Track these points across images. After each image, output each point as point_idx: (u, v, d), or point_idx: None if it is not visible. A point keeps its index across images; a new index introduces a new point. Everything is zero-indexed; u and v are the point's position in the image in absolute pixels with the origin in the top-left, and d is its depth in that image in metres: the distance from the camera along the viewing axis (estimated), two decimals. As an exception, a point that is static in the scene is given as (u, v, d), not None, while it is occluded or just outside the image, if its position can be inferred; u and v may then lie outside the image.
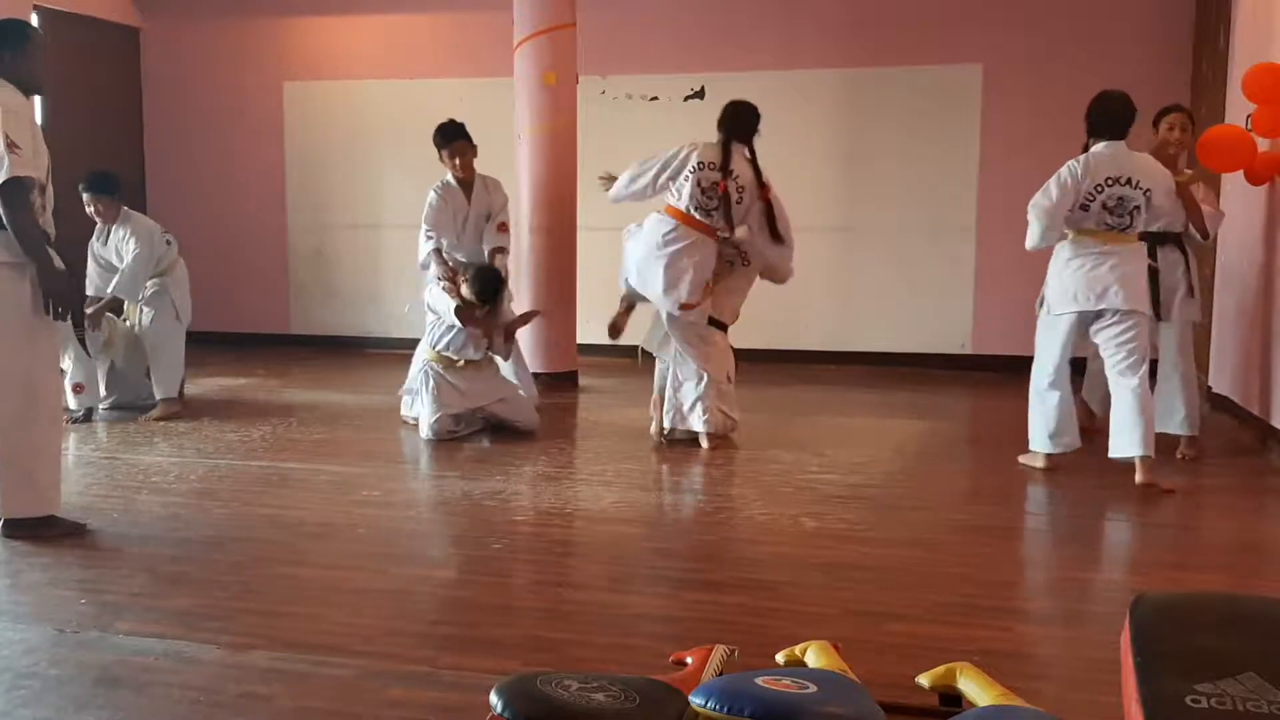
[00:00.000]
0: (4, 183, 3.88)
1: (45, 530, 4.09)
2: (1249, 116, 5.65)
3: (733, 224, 5.60)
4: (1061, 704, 2.52)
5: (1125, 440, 4.93)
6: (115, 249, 6.40)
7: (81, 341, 5.53)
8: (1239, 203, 6.36)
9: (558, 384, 7.41)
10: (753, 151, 5.64)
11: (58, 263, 4.07)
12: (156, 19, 9.60)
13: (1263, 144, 5.67)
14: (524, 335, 7.51)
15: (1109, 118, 5.05)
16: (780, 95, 8.44)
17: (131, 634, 3.17)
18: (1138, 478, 4.88)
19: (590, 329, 7.91)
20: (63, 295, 4.01)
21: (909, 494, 4.88)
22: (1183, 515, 4.80)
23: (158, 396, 6.54)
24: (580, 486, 4.92)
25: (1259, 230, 6.01)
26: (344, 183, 9.39)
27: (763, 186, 5.60)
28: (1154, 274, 5.43)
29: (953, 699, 2.42)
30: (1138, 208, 4.99)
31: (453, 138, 6.39)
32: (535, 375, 7.45)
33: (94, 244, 6.50)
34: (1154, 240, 5.37)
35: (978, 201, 8.20)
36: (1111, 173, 4.96)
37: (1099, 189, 4.96)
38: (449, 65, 9.00)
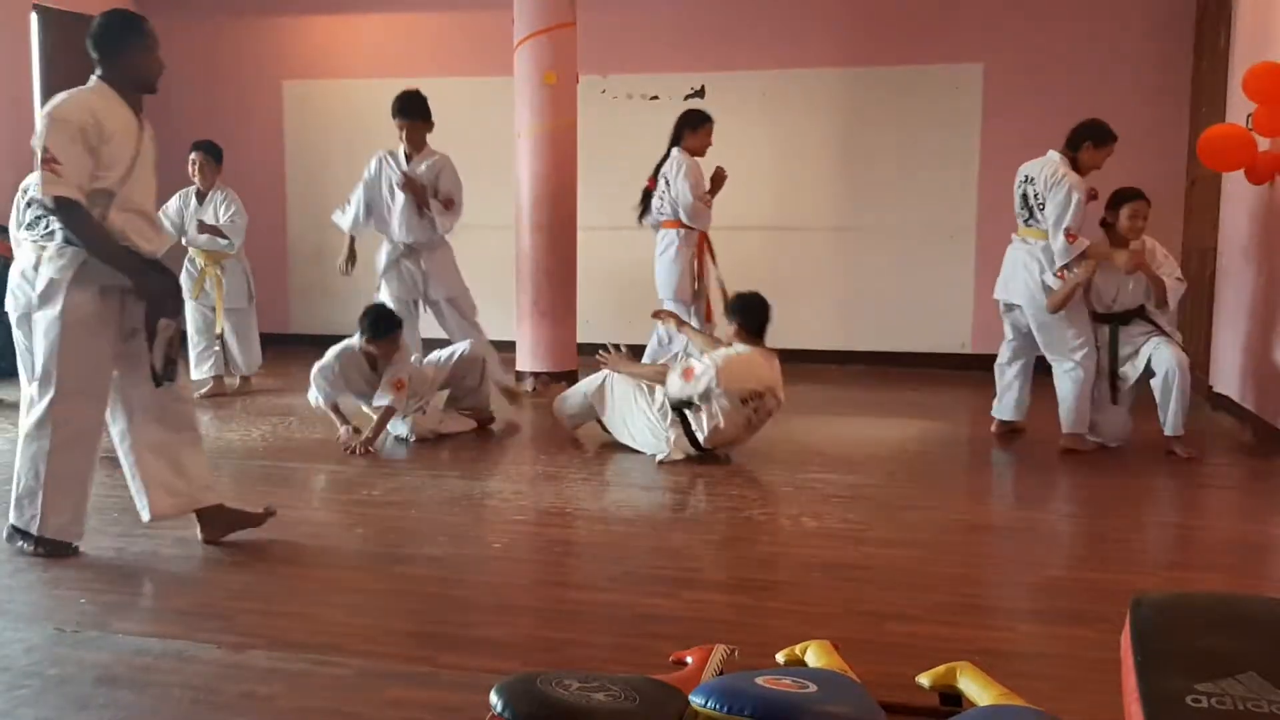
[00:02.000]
0: (53, 202, 3.68)
1: (29, 545, 3.89)
2: (1250, 116, 5.65)
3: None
4: (1061, 704, 2.51)
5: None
6: (213, 211, 6.98)
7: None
8: (1239, 202, 6.36)
9: (558, 384, 7.40)
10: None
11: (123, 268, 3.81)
12: (156, 18, 9.53)
13: (1263, 143, 5.67)
14: (525, 335, 7.52)
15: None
16: (780, 95, 8.47)
17: (131, 633, 3.17)
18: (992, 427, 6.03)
19: (590, 329, 7.91)
20: (159, 300, 3.72)
21: (909, 494, 4.88)
22: (1183, 515, 4.81)
23: (244, 371, 7.21)
24: (580, 486, 4.92)
25: (1259, 230, 6.01)
26: (344, 183, 9.34)
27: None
28: (1114, 337, 5.55)
29: (953, 698, 2.42)
30: (1031, 206, 5.66)
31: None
32: (535, 375, 7.46)
33: (190, 203, 7.03)
34: (1118, 320, 5.55)
35: (978, 201, 8.20)
36: (1027, 171, 5.73)
37: (1019, 185, 5.76)
38: (449, 65, 8.99)
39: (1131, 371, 5.54)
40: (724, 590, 3.62)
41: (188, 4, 9.53)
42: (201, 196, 7.05)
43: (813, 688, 2.10)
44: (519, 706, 2.00)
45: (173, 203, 7.06)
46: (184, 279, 7.14)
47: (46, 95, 8.73)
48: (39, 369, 3.80)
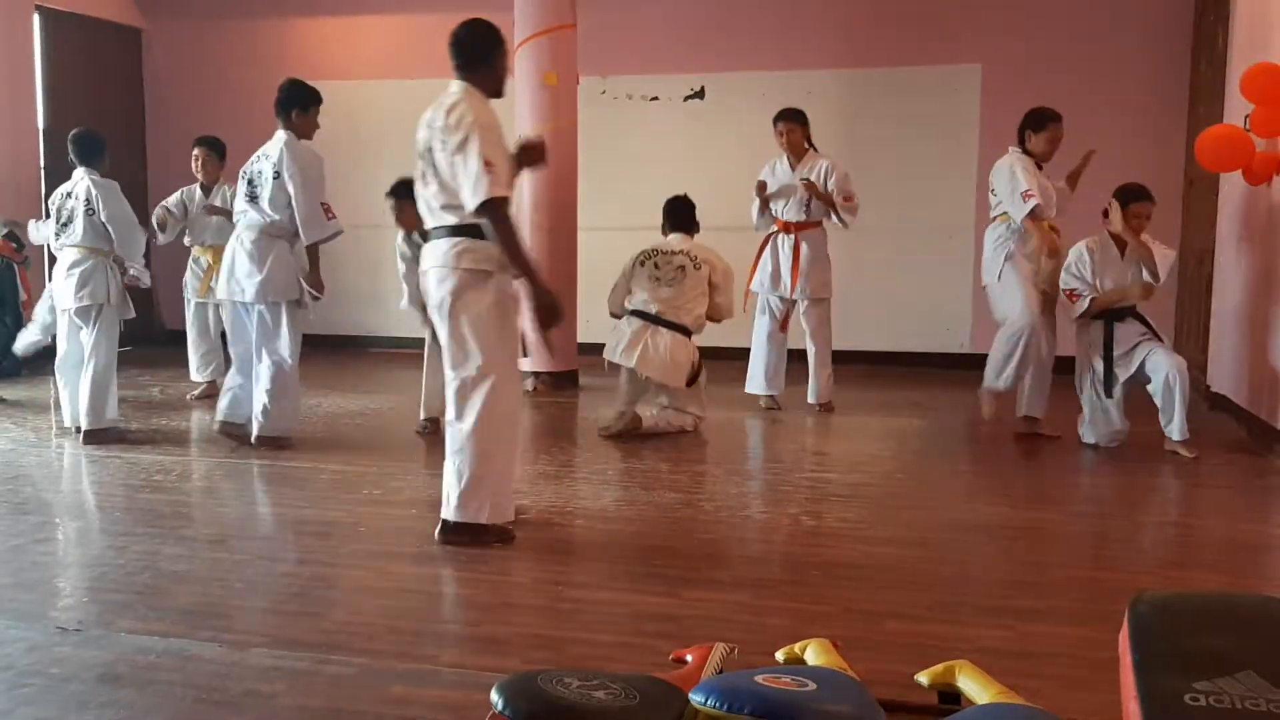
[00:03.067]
0: (484, 202, 3.79)
1: (480, 538, 4.01)
2: (1247, 116, 5.65)
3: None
4: (1061, 703, 2.52)
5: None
6: (220, 204, 6.92)
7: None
8: (1237, 202, 6.37)
9: (558, 384, 7.42)
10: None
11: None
12: (159, 19, 9.61)
13: (1260, 144, 5.67)
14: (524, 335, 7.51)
15: None
16: (780, 95, 8.45)
17: (134, 632, 3.18)
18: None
19: (590, 329, 7.91)
20: (552, 310, 3.90)
21: (909, 493, 4.89)
22: (1183, 515, 4.82)
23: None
24: (580, 485, 4.93)
25: (1257, 230, 6.02)
26: (344, 183, 9.35)
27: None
28: (1109, 331, 5.57)
29: (952, 697, 2.43)
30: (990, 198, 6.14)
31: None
32: (535, 374, 7.47)
33: (195, 196, 7.04)
34: (1112, 316, 5.57)
35: (976, 201, 8.20)
36: None
37: None
38: (449, 65, 8.98)
39: (1122, 371, 5.56)
40: (724, 589, 3.63)
41: (191, 6, 9.54)
42: (207, 191, 7.01)
43: (812, 686, 2.10)
44: (520, 704, 2.00)
45: (173, 198, 7.04)
46: (189, 278, 7.12)
47: (48, 95, 8.78)
48: (478, 357, 3.92)
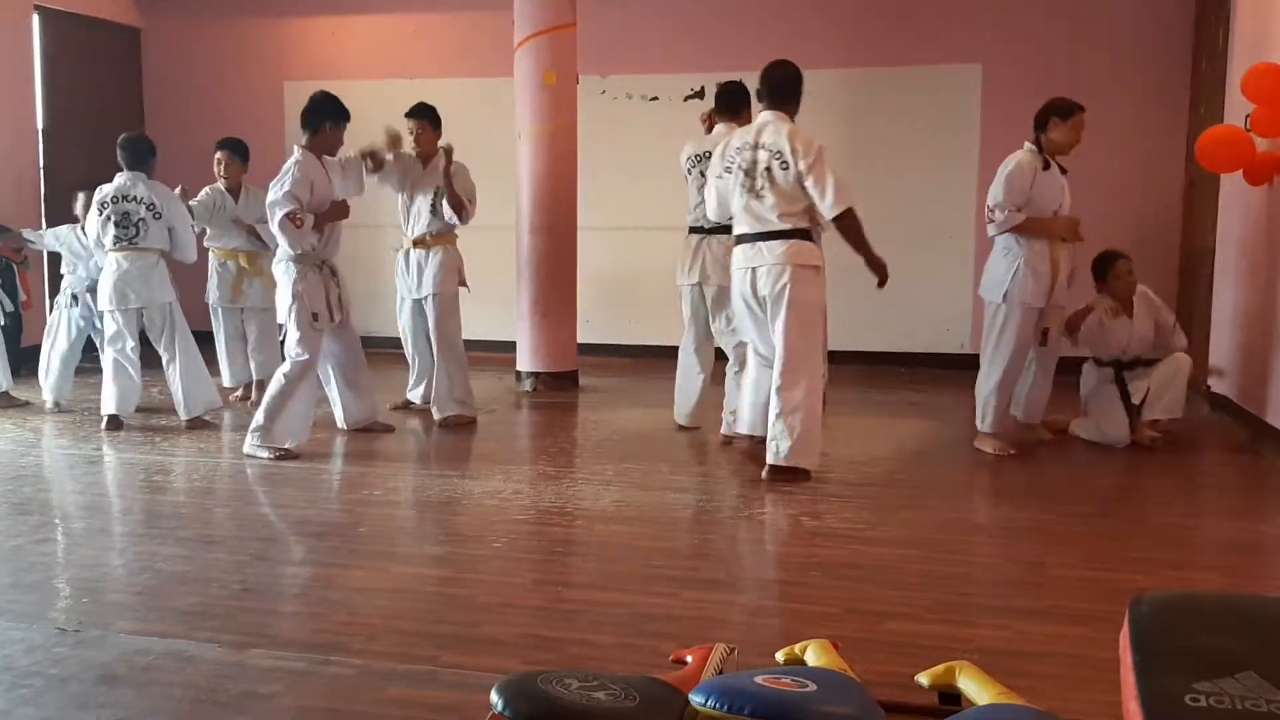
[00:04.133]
0: (849, 209, 4.73)
1: (798, 478, 4.86)
2: (1248, 116, 5.65)
3: None
4: (1061, 703, 2.52)
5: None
6: (252, 205, 6.80)
7: None
8: (1238, 202, 6.37)
9: (558, 384, 7.42)
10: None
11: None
12: (158, 19, 9.60)
13: (1261, 144, 5.67)
14: (525, 335, 7.52)
15: None
16: (780, 95, 8.46)
17: (133, 633, 3.18)
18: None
19: (590, 329, 7.91)
20: (884, 273, 4.98)
21: (909, 494, 4.89)
22: (1183, 515, 4.81)
23: (259, 376, 6.79)
24: (580, 486, 4.93)
25: (1257, 230, 6.01)
26: (344, 182, 9.37)
27: None
28: (1119, 375, 5.78)
29: (952, 697, 2.43)
30: None
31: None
32: (535, 374, 7.46)
33: (225, 201, 6.84)
34: (1124, 366, 5.78)
35: (977, 201, 8.18)
36: None
37: None
38: (449, 65, 8.99)
39: (1134, 393, 5.76)
40: (724, 590, 3.63)
41: (191, 6, 9.53)
42: (234, 194, 6.84)
43: (812, 687, 2.10)
44: (520, 705, 2.00)
45: (201, 195, 6.81)
46: (213, 284, 6.91)
47: (48, 95, 8.77)
48: (813, 335, 4.86)
